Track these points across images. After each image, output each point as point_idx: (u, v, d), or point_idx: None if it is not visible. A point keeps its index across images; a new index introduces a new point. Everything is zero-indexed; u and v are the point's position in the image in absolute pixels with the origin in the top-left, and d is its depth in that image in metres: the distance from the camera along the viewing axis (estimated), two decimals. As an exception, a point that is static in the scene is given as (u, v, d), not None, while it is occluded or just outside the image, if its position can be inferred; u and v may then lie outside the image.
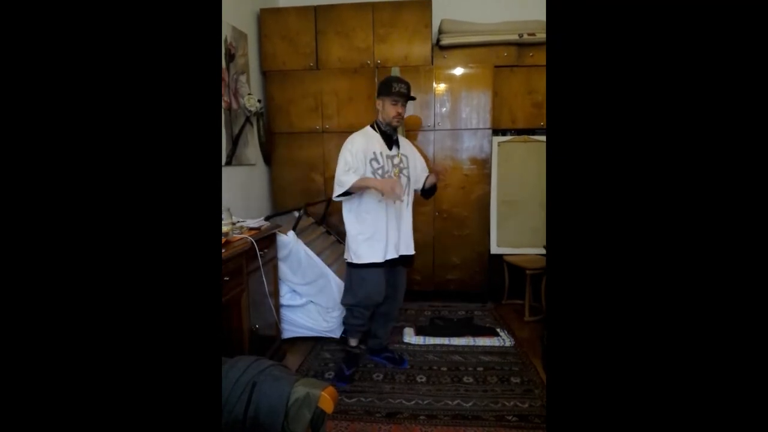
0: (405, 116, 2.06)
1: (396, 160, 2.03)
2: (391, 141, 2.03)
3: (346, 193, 1.89)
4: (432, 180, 2.12)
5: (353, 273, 2.06)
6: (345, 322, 2.20)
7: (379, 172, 1.97)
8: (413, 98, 2.03)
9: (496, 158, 3.06)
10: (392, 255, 2.02)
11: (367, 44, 2.94)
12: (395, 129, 2.03)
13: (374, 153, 1.97)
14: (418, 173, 2.14)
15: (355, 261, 2.02)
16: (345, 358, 2.16)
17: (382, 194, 1.88)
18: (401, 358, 2.21)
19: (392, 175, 1.99)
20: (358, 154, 1.94)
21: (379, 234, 1.98)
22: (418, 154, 2.18)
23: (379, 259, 1.99)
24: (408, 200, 2.08)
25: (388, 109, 1.97)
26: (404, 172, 2.05)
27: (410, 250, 2.12)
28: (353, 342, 2.18)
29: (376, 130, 2.03)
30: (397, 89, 1.94)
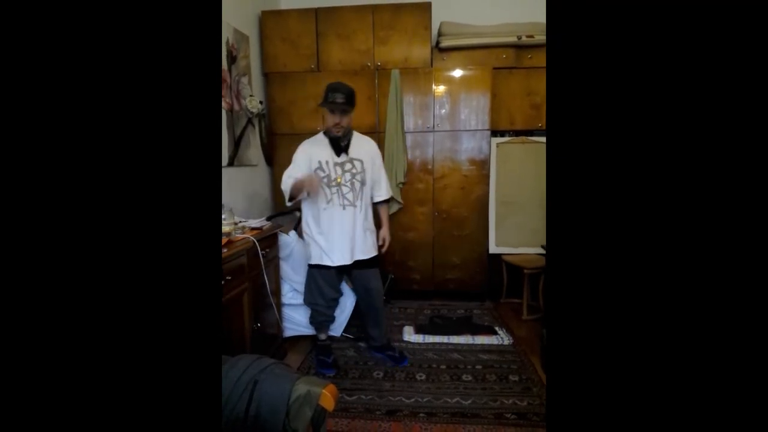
0: (346, 123, 1.99)
1: (347, 166, 2.02)
2: (340, 148, 2.02)
3: (293, 198, 1.96)
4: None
5: (308, 272, 2.18)
6: (311, 321, 2.27)
7: (325, 180, 1.98)
8: (348, 108, 1.95)
9: (494, 159, 3.08)
10: (344, 261, 2.05)
11: (368, 46, 2.96)
12: (342, 136, 1.99)
13: (320, 162, 1.98)
14: (375, 174, 2.10)
15: (309, 261, 2.14)
16: (319, 351, 2.24)
17: (308, 193, 1.93)
18: (402, 355, 2.23)
19: (338, 182, 2.00)
20: (302, 160, 1.98)
21: (327, 239, 2.04)
22: (376, 155, 2.12)
23: (328, 263, 2.06)
24: (361, 205, 2.05)
25: (327, 119, 1.99)
26: (357, 177, 2.03)
27: (365, 255, 2.10)
28: (322, 336, 2.28)
29: (326, 137, 2.04)
30: (331, 99, 1.92)
